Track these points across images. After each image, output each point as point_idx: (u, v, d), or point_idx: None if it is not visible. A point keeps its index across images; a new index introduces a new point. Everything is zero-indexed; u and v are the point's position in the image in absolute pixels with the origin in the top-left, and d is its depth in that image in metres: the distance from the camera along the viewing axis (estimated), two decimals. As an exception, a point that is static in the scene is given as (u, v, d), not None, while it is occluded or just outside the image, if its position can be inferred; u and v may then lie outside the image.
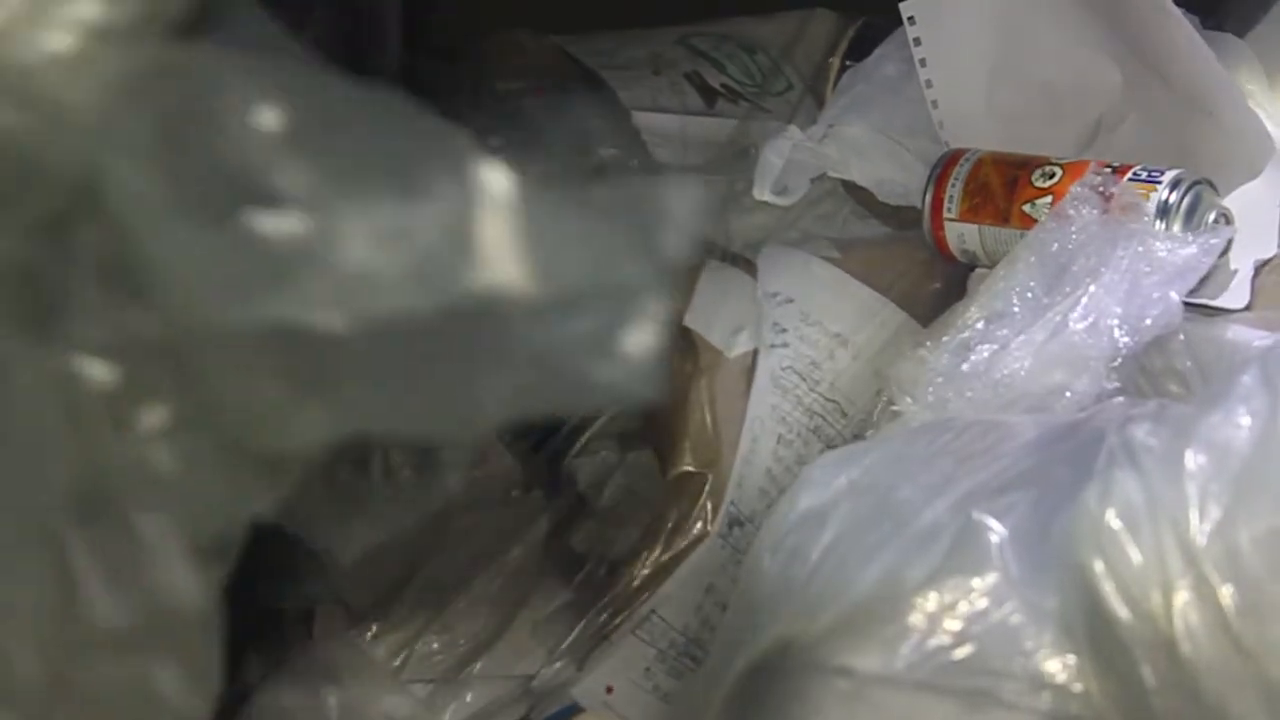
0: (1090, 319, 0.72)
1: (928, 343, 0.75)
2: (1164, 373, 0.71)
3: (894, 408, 0.75)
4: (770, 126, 0.95)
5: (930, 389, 0.73)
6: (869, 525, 0.60)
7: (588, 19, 1.04)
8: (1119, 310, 0.72)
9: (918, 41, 0.90)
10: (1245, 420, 0.54)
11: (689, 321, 0.86)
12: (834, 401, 0.84)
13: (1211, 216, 0.78)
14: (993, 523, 0.57)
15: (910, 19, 0.90)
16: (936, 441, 0.63)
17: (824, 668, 0.57)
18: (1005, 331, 0.73)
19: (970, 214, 0.84)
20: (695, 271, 0.88)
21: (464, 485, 0.68)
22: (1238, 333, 0.71)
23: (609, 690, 0.79)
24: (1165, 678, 0.53)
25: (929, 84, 0.90)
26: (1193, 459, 0.54)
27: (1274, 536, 0.53)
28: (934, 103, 0.91)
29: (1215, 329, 0.72)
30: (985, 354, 0.73)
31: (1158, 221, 0.77)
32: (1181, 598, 0.53)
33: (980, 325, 0.74)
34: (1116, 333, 0.72)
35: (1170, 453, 0.55)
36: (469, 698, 0.81)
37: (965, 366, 0.73)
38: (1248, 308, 0.76)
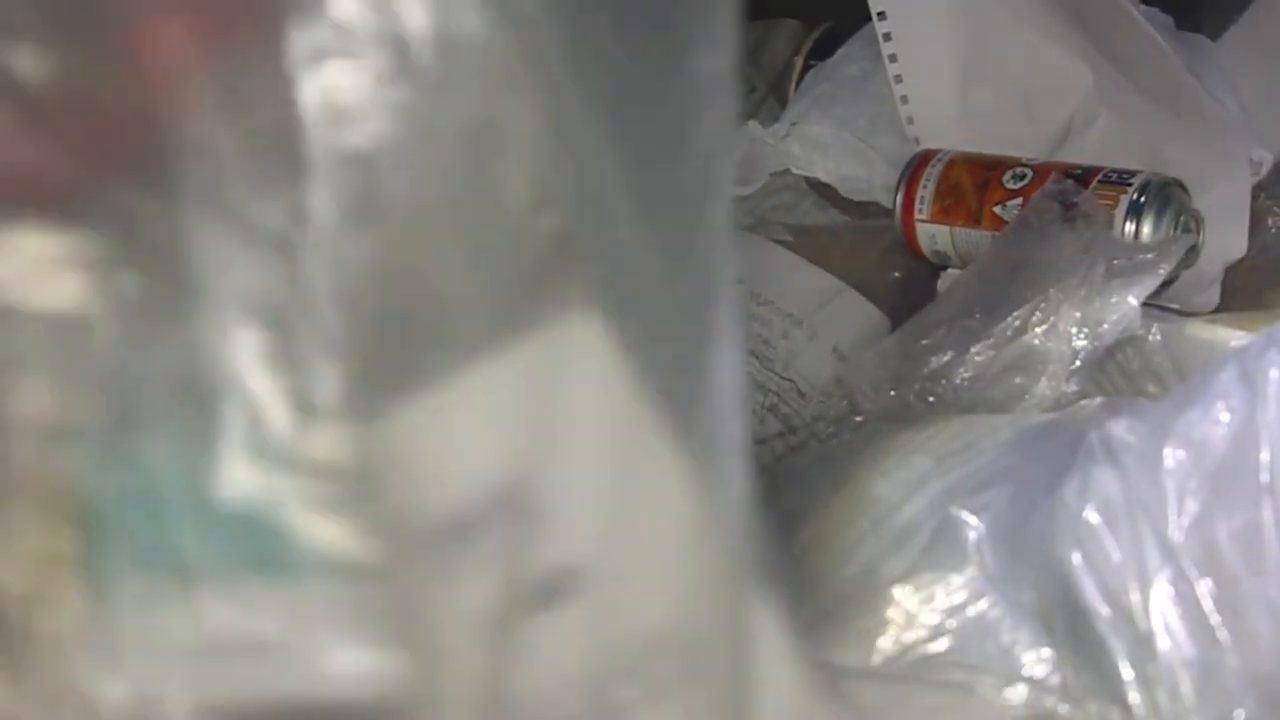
0: (1049, 323, 0.73)
1: (890, 347, 0.76)
2: (1141, 372, 0.72)
3: (857, 418, 0.75)
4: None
5: (892, 393, 0.73)
6: (847, 522, 0.60)
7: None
8: (1077, 315, 0.73)
9: (887, 37, 0.88)
10: (1224, 417, 0.54)
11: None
12: (790, 380, 0.83)
13: (1182, 218, 0.79)
14: (970, 519, 0.57)
15: (880, 14, 0.87)
16: (914, 440, 0.63)
17: (801, 662, 0.57)
18: (966, 336, 0.73)
19: (942, 215, 0.85)
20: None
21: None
22: (1215, 333, 0.71)
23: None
24: (1143, 672, 0.53)
25: (898, 79, 0.89)
26: (1171, 455, 0.54)
27: (1251, 531, 0.53)
28: (903, 98, 0.89)
29: (1192, 329, 0.72)
30: (946, 358, 0.73)
31: (1127, 223, 0.78)
32: (1159, 592, 0.53)
33: (942, 331, 0.74)
34: (1075, 337, 0.73)
35: (1149, 449, 0.55)
36: None
37: (926, 370, 0.73)
38: (1220, 309, 0.77)
